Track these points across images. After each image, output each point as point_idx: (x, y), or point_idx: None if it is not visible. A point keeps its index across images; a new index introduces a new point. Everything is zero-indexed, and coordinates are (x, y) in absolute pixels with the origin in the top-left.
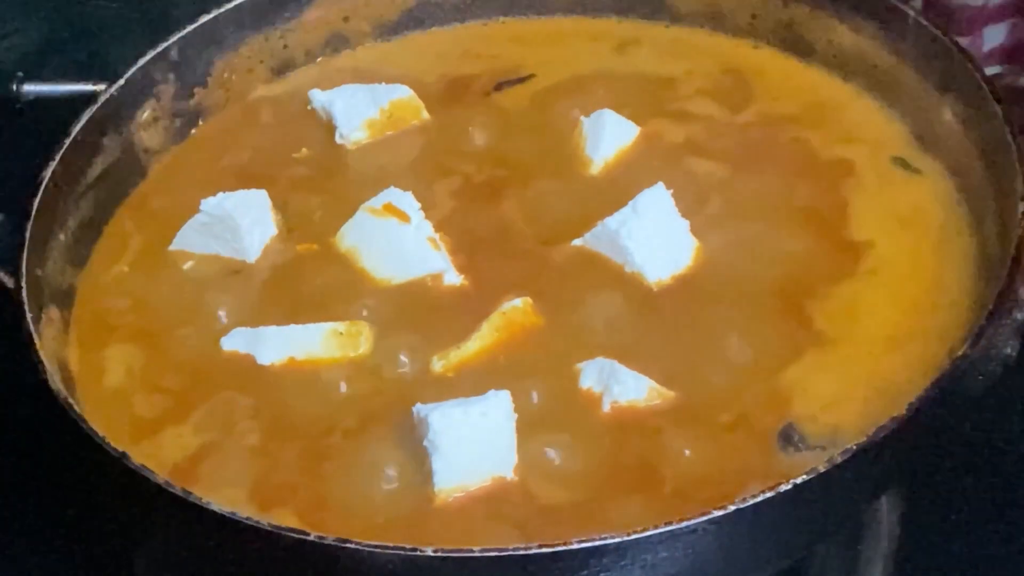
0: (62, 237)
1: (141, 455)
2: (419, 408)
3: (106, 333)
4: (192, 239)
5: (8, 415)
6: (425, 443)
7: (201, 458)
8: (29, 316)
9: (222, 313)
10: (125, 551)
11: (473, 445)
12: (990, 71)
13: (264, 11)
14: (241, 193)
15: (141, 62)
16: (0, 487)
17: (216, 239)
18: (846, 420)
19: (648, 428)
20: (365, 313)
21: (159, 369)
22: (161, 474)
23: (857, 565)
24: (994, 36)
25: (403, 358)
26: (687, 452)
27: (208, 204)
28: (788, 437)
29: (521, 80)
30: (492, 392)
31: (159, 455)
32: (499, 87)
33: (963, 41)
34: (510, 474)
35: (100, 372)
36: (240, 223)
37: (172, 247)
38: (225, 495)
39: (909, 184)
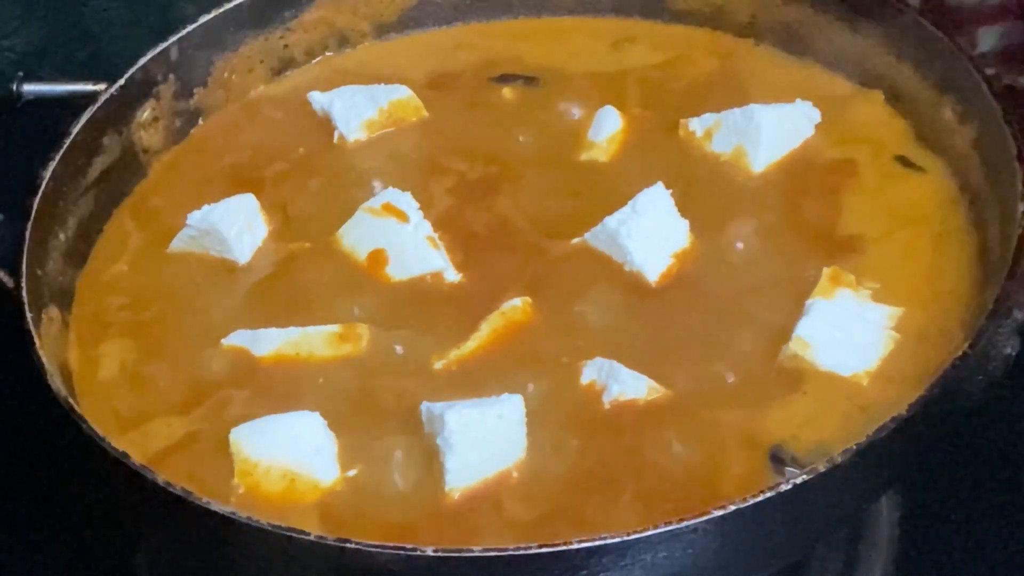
0: (62, 237)
1: (143, 456)
2: (430, 406)
3: (104, 331)
4: (186, 245)
5: (8, 415)
6: (438, 441)
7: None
8: (29, 316)
9: (222, 312)
10: (125, 551)
11: (486, 446)
12: None
13: (264, 11)
14: (226, 202)
15: (141, 62)
16: (0, 487)
17: (206, 250)
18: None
19: (647, 425)
20: (365, 312)
21: (157, 368)
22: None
23: (857, 565)
24: (989, 39)
25: (402, 357)
26: (682, 449)
27: (194, 218)
28: (779, 459)
29: (525, 79)
30: (506, 395)
31: (154, 453)
32: (502, 79)
33: None
34: (515, 473)
35: (97, 369)
36: (227, 234)
37: (170, 249)
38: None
39: (911, 181)
